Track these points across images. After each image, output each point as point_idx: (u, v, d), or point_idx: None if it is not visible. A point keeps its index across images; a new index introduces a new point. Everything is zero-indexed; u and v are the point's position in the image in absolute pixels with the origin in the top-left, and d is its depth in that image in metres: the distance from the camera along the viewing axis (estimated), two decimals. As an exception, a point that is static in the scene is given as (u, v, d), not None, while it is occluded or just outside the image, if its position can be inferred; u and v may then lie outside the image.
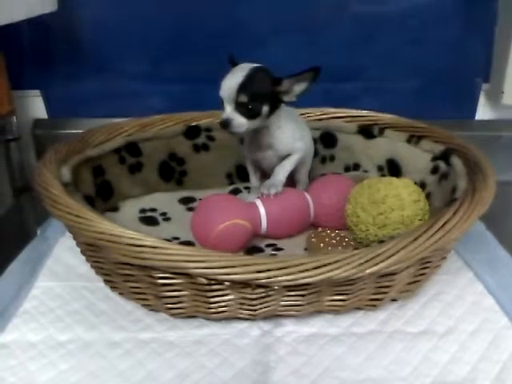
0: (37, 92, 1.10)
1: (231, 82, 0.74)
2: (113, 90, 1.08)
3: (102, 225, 0.60)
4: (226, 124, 0.75)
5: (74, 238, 0.72)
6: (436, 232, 0.60)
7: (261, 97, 0.75)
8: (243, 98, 0.73)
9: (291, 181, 0.86)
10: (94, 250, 0.67)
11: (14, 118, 1.04)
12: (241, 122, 0.75)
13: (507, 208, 1.02)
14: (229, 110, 0.75)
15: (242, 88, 0.73)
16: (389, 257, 0.58)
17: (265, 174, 0.87)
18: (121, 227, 0.60)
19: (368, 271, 0.57)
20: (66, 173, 0.74)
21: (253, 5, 1.03)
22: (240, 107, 0.74)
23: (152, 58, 1.07)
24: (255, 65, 0.76)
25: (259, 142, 0.82)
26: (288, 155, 0.82)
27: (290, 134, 0.81)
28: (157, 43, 1.05)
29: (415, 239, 0.59)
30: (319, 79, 0.74)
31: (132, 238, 0.59)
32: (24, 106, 1.10)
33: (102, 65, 1.07)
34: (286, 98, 0.77)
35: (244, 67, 0.75)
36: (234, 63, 0.78)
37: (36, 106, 1.11)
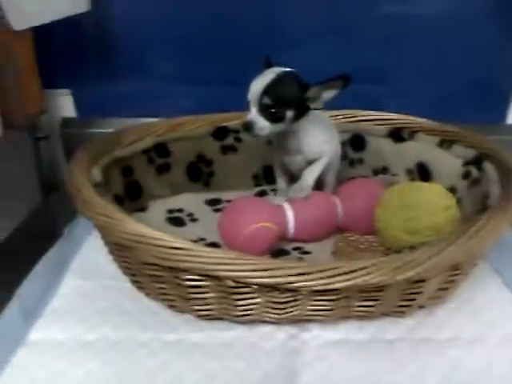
0: (67, 91, 1.11)
1: (258, 85, 0.74)
2: (142, 91, 1.08)
3: (132, 225, 0.61)
4: (248, 126, 0.74)
5: (103, 238, 0.72)
6: (469, 239, 0.59)
7: (285, 101, 0.74)
8: (266, 101, 0.73)
9: (318, 184, 0.85)
10: (121, 250, 0.68)
11: (44, 116, 1.06)
12: (263, 125, 0.74)
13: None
14: (253, 112, 0.74)
15: (267, 91, 0.73)
16: (420, 264, 0.57)
17: (292, 177, 0.86)
18: (150, 228, 0.60)
19: (398, 278, 0.57)
20: (96, 173, 0.75)
21: (283, 9, 1.02)
22: (263, 110, 0.74)
23: (182, 58, 1.07)
24: (285, 69, 0.75)
25: (287, 146, 0.81)
26: (316, 159, 0.82)
27: (319, 139, 0.81)
28: (187, 44, 1.05)
29: (447, 246, 0.58)
30: (350, 79, 0.73)
31: (161, 240, 0.59)
32: (54, 105, 1.11)
33: (132, 65, 1.07)
34: (313, 105, 0.76)
35: (274, 71, 0.75)
36: (269, 66, 0.78)
37: (65, 105, 1.11)
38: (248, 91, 0.75)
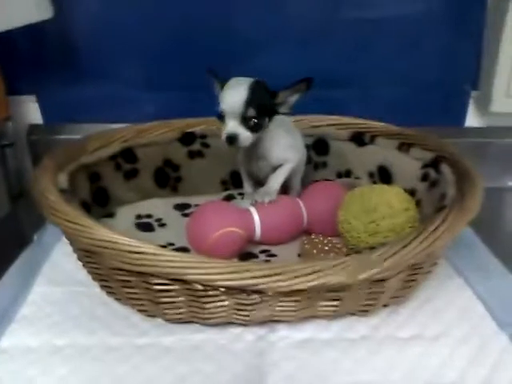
0: (32, 97, 1.10)
1: (236, 97, 0.74)
2: (108, 97, 1.08)
3: (99, 231, 0.61)
4: (232, 139, 0.75)
5: (71, 245, 0.72)
6: (425, 238, 0.61)
7: (265, 110, 0.76)
8: (251, 113, 0.74)
9: (284, 187, 0.87)
10: (90, 256, 0.68)
11: (10, 123, 1.05)
12: (247, 136, 0.75)
13: (496, 214, 1.04)
14: (233, 125, 0.75)
15: (249, 102, 0.73)
16: (379, 263, 0.59)
17: (258, 181, 0.88)
18: (117, 234, 0.61)
19: (360, 277, 0.59)
20: (63, 179, 0.75)
21: (247, 14, 1.03)
22: (246, 121, 0.75)
23: (147, 64, 1.07)
24: (251, 78, 0.76)
25: (252, 153, 0.82)
26: (281, 165, 0.83)
27: (282, 145, 0.83)
28: (152, 50, 1.06)
29: (405, 246, 0.60)
30: (312, 87, 0.75)
31: (129, 245, 0.59)
32: (19, 112, 1.10)
33: (98, 71, 1.07)
34: (282, 110, 0.78)
35: (242, 81, 0.75)
36: (216, 77, 0.79)
37: (31, 111, 1.11)
38: (220, 103, 0.75)
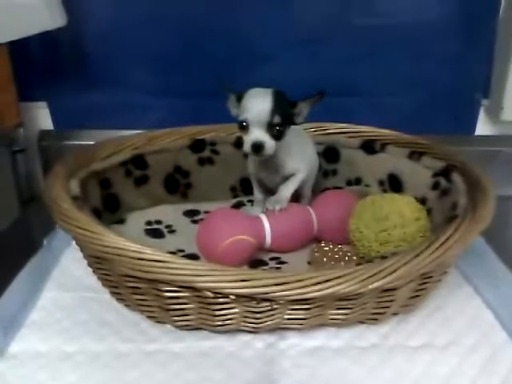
0: (43, 104, 1.11)
1: (262, 105, 0.74)
2: (118, 103, 1.09)
3: (110, 238, 0.61)
4: (259, 147, 0.75)
5: (82, 251, 0.73)
6: (437, 249, 0.61)
7: (287, 119, 0.77)
8: (277, 120, 0.74)
9: (295, 195, 0.87)
10: (100, 263, 0.68)
11: (21, 129, 1.06)
12: (272, 145, 0.76)
13: (507, 223, 1.04)
14: (258, 133, 0.75)
15: (275, 110, 0.74)
16: (391, 273, 0.59)
17: (268, 189, 0.88)
18: (128, 241, 0.61)
19: (370, 286, 0.59)
20: (74, 186, 0.75)
21: (256, 21, 1.04)
22: (271, 129, 0.75)
23: (158, 71, 1.08)
24: (270, 88, 0.76)
25: (265, 162, 0.82)
26: (293, 174, 0.84)
27: (295, 156, 0.83)
28: (163, 57, 1.06)
29: (417, 256, 0.60)
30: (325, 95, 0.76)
31: (139, 252, 0.60)
32: (30, 118, 1.11)
33: (108, 78, 1.08)
34: (298, 120, 0.79)
35: (264, 90, 0.76)
36: (227, 86, 0.79)
37: (42, 117, 1.12)
38: (244, 112, 0.75)
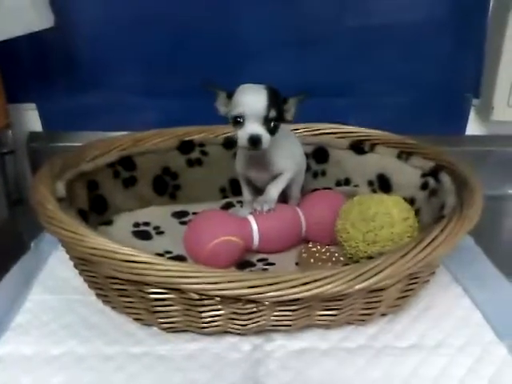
0: (32, 105, 1.11)
1: (258, 99, 0.74)
2: (107, 105, 1.09)
3: (95, 240, 0.61)
4: (256, 140, 0.74)
5: (68, 253, 0.72)
6: (424, 248, 0.61)
7: (281, 114, 0.77)
8: (273, 114, 0.74)
9: (283, 196, 0.86)
10: (86, 265, 0.68)
11: (10, 131, 1.05)
12: (268, 139, 0.75)
13: (496, 223, 1.04)
14: (255, 127, 0.74)
15: (271, 104, 0.74)
16: (378, 273, 0.59)
17: (257, 189, 0.88)
18: (114, 243, 0.60)
19: (357, 287, 0.58)
20: (60, 188, 0.75)
21: (247, 22, 1.04)
22: (268, 123, 0.75)
23: (146, 73, 1.08)
24: (262, 84, 0.76)
25: (254, 161, 0.82)
26: (280, 174, 0.83)
27: (283, 154, 0.82)
28: (152, 58, 1.06)
29: (404, 255, 0.60)
30: (312, 94, 0.76)
31: (124, 254, 0.59)
32: (19, 120, 1.11)
33: (97, 79, 1.08)
34: (287, 117, 0.79)
35: (257, 86, 0.76)
36: (217, 87, 0.79)
37: (31, 119, 1.11)
38: (238, 106, 0.74)
